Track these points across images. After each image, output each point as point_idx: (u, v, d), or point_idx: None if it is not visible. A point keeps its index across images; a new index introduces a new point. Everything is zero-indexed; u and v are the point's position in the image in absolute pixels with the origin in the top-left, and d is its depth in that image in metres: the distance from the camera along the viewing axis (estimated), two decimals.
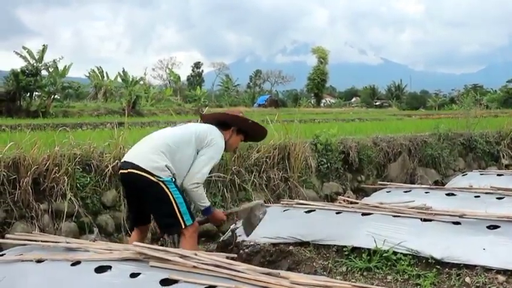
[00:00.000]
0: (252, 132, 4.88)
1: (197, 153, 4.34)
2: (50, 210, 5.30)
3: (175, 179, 4.18)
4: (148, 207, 4.31)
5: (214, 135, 4.42)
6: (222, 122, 4.61)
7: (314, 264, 4.63)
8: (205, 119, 4.80)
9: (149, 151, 4.18)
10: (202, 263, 3.25)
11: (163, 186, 4.08)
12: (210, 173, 5.99)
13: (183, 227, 4.15)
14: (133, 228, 4.59)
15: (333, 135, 8.19)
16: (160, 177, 4.07)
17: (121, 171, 4.27)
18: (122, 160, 4.33)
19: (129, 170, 4.13)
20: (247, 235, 4.90)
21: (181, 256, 3.35)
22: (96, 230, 4.67)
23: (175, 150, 4.21)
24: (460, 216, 4.82)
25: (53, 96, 26.47)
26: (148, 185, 4.07)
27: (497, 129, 11.64)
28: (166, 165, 4.11)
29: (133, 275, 3.27)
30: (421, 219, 4.90)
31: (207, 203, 4.44)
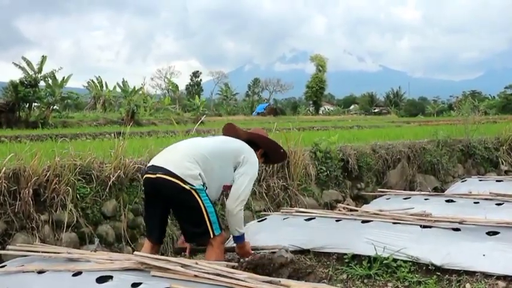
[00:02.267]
0: (274, 157, 4.87)
1: (234, 169, 4.29)
2: (50, 221, 5.29)
3: (206, 187, 4.11)
4: (176, 215, 4.24)
5: (250, 153, 4.37)
6: (251, 142, 4.54)
7: (315, 271, 4.63)
8: (230, 132, 4.69)
9: (183, 158, 4.08)
10: (204, 272, 3.26)
11: (195, 194, 3.99)
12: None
13: (212, 236, 4.08)
14: (150, 238, 4.40)
15: (333, 143, 8.22)
16: (193, 185, 3.98)
17: (147, 175, 4.14)
18: (149, 164, 4.23)
19: (158, 175, 4.01)
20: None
21: (183, 265, 3.36)
22: (97, 240, 4.66)
23: (209, 161, 4.13)
24: (460, 223, 4.83)
25: (52, 107, 26.54)
26: (179, 191, 3.97)
27: (496, 135, 11.67)
28: (199, 174, 4.03)
29: (135, 285, 3.28)
30: (420, 226, 4.91)
31: (243, 230, 4.39)
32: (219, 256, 4.12)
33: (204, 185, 4.07)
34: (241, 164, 4.29)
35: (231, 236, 4.58)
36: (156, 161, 4.18)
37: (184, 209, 4.09)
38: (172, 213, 4.49)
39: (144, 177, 4.22)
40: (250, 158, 4.35)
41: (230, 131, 4.74)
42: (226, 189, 4.38)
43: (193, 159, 4.07)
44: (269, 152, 4.72)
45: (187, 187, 3.96)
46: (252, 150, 4.42)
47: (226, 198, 4.45)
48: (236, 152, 4.31)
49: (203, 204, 4.02)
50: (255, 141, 4.59)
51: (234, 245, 4.60)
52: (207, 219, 4.04)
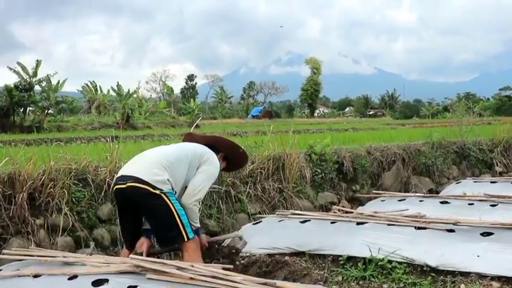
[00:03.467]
0: (236, 160, 4.99)
1: (196, 169, 4.38)
2: (45, 225, 5.29)
3: (175, 192, 4.20)
4: (149, 221, 4.27)
5: (211, 154, 4.49)
6: (211, 146, 4.66)
7: (310, 273, 4.64)
8: (192, 139, 4.82)
9: (151, 166, 4.19)
10: (199, 275, 3.27)
11: (165, 198, 4.08)
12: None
13: (186, 240, 4.13)
14: (128, 247, 4.51)
15: (327, 145, 8.24)
16: (162, 189, 4.07)
17: (117, 186, 4.23)
18: (118, 175, 4.32)
19: (128, 184, 4.10)
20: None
21: (178, 268, 3.37)
22: (92, 244, 4.67)
23: (175, 166, 4.24)
24: (454, 224, 4.85)
25: (46, 111, 26.46)
26: (149, 196, 4.05)
27: (491, 137, 11.72)
28: (168, 179, 4.13)
29: None
30: (415, 227, 4.93)
31: (198, 224, 4.48)
32: (198, 261, 4.10)
33: (173, 189, 4.17)
34: (203, 163, 4.42)
35: None
36: (124, 171, 4.28)
37: (156, 213, 4.15)
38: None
39: (115, 188, 4.31)
40: (212, 158, 4.49)
41: (189, 138, 4.89)
42: None
43: (160, 165, 4.19)
44: (229, 153, 4.83)
45: (157, 192, 4.06)
46: (213, 153, 4.55)
47: None
48: (199, 153, 4.45)
49: (174, 207, 4.10)
50: (214, 144, 4.72)
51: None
52: (179, 221, 4.11)
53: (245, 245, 4.85)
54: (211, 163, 4.47)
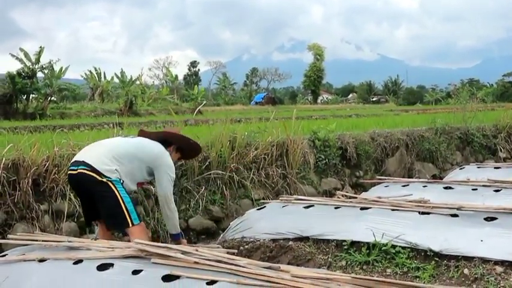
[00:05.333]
0: (189, 150, 5.10)
1: (147, 169, 4.52)
2: (50, 210, 5.32)
3: (123, 181, 4.31)
4: (98, 207, 4.37)
5: (164, 157, 4.59)
6: (163, 140, 4.74)
7: (314, 258, 4.66)
8: (144, 135, 4.92)
9: (102, 154, 4.33)
10: (204, 259, 3.28)
11: (112, 185, 4.20)
12: (208, 171, 6.11)
13: (130, 225, 4.24)
14: (89, 223, 4.75)
15: (331, 131, 8.23)
16: (110, 178, 4.21)
17: (70, 172, 4.38)
18: (72, 160, 4.43)
19: (78, 170, 4.24)
20: None
21: (183, 252, 3.38)
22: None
23: (125, 160, 4.36)
24: (458, 209, 4.85)
25: (49, 98, 26.46)
26: (96, 183, 4.19)
27: (494, 123, 11.70)
28: (116, 169, 4.26)
29: (136, 272, 3.31)
30: (419, 212, 4.94)
31: (179, 230, 4.72)
32: None
33: (120, 179, 4.29)
34: (157, 168, 4.52)
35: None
36: (78, 157, 4.41)
37: (103, 199, 4.26)
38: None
39: (68, 173, 4.47)
40: (166, 161, 4.58)
41: (143, 134, 4.97)
42: (140, 185, 4.75)
43: (111, 156, 4.32)
44: (181, 145, 4.94)
45: (104, 179, 4.20)
46: (166, 153, 4.64)
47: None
48: (152, 156, 4.53)
49: (119, 194, 4.22)
50: (165, 138, 4.81)
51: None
52: (124, 208, 4.22)
53: None
54: (167, 165, 4.57)
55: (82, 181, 4.27)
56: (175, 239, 4.70)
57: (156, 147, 4.62)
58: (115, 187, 4.21)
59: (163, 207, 4.57)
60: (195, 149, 5.21)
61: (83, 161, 4.26)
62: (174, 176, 4.67)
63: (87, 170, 4.21)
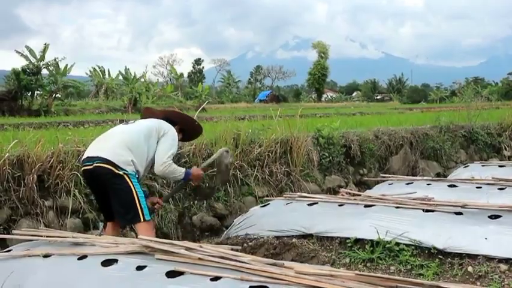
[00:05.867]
0: (192, 132, 5.11)
1: (157, 143, 4.49)
2: (54, 206, 5.34)
3: (138, 175, 4.33)
4: (112, 200, 4.36)
5: (169, 127, 4.59)
6: (167, 119, 4.74)
7: (318, 255, 4.66)
8: (149, 114, 4.92)
9: (115, 145, 4.30)
10: (208, 255, 3.28)
11: (127, 178, 4.20)
12: (212, 168, 6.13)
13: (142, 220, 4.25)
14: (107, 218, 4.68)
15: (335, 129, 8.22)
16: (126, 171, 4.20)
17: (84, 167, 4.36)
18: (85, 157, 4.41)
19: (94, 165, 4.23)
20: (222, 184, 5.76)
21: (187, 248, 3.38)
22: (101, 225, 4.71)
23: (139, 144, 4.35)
24: (462, 207, 4.85)
25: (54, 95, 26.48)
26: (112, 176, 4.18)
27: (499, 121, 11.67)
28: (132, 160, 4.25)
29: (140, 268, 3.31)
30: (423, 210, 4.93)
31: (183, 170, 4.62)
32: None
33: (137, 172, 4.30)
34: (162, 135, 4.51)
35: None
36: (90, 152, 4.38)
37: (117, 192, 4.26)
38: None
39: (82, 169, 4.46)
40: (170, 131, 4.58)
41: (148, 113, 4.98)
42: (153, 205, 4.71)
43: (124, 145, 4.30)
44: (185, 126, 4.93)
45: (120, 172, 4.19)
46: (170, 125, 4.64)
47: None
48: (158, 128, 4.53)
49: (134, 188, 4.22)
50: (171, 118, 4.80)
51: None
52: (137, 203, 4.23)
53: (232, 156, 5.18)
54: (170, 133, 4.56)
55: (98, 174, 4.25)
56: (188, 176, 4.68)
57: (161, 121, 4.63)
58: (130, 181, 4.20)
59: (160, 169, 4.45)
60: (197, 132, 5.20)
61: (97, 156, 4.24)
62: (177, 147, 4.67)
63: (103, 163, 4.19)
